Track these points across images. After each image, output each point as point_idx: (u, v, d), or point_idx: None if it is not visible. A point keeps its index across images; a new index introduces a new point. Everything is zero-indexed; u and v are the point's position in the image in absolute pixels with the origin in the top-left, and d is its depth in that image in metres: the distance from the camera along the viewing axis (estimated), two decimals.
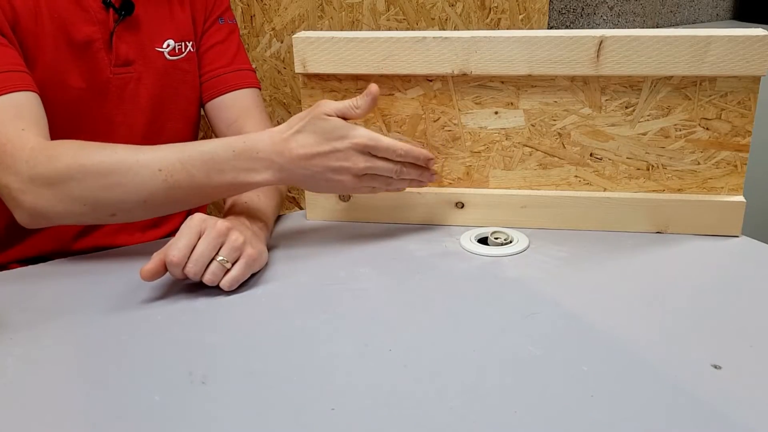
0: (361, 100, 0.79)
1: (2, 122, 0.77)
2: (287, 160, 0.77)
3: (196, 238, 0.72)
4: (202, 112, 1.03)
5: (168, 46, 0.93)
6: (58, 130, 0.88)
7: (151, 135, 0.94)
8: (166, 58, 0.93)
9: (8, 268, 0.92)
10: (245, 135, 0.79)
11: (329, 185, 0.79)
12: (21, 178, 0.75)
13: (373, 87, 0.79)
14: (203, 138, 1.44)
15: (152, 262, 0.72)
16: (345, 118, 0.78)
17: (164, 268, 0.72)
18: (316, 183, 0.79)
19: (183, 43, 0.95)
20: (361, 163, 0.77)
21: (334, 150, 0.77)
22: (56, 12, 0.84)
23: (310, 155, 0.77)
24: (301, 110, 0.83)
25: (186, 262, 0.72)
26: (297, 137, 0.77)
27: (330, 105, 0.78)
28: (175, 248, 0.71)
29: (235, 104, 0.99)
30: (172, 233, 0.76)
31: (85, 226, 0.94)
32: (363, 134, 0.77)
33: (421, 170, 0.83)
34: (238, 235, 0.74)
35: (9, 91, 0.78)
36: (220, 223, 0.73)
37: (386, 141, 0.78)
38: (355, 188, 0.80)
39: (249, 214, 0.83)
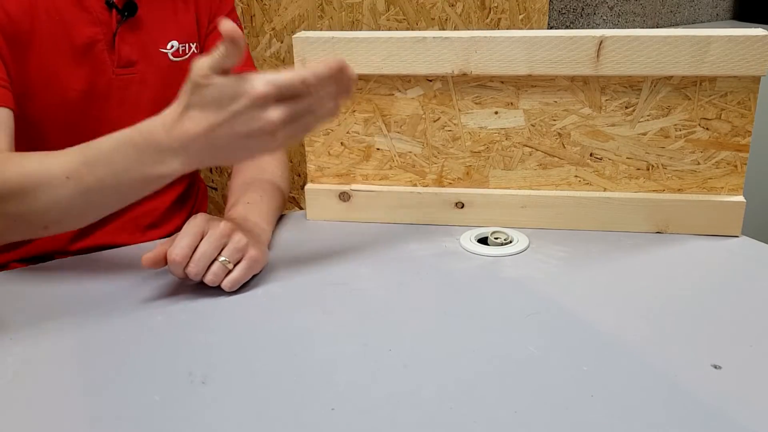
0: (225, 45, 0.65)
1: None
2: (189, 143, 0.67)
3: (199, 238, 0.72)
4: None
5: (172, 47, 0.93)
6: (59, 134, 0.88)
7: None
8: (169, 59, 0.93)
9: (8, 268, 0.92)
10: (143, 124, 0.69)
11: (248, 152, 0.69)
12: None
13: (225, 24, 0.64)
14: None
15: (155, 251, 0.72)
16: (225, 72, 0.66)
17: (164, 260, 0.72)
18: (234, 155, 0.69)
19: (187, 44, 0.95)
20: (274, 116, 0.65)
21: (234, 114, 0.65)
22: (56, 14, 0.84)
23: (210, 129, 0.66)
24: None
25: (188, 262, 0.72)
26: (188, 114, 0.67)
27: (203, 63, 0.65)
28: (178, 247, 0.71)
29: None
30: (173, 233, 0.76)
31: (85, 226, 0.93)
32: (258, 84, 0.64)
33: (337, 80, 0.68)
34: (241, 236, 0.74)
35: None
36: (224, 224, 0.73)
37: (287, 77, 0.65)
38: (279, 145, 0.68)
39: (251, 215, 0.83)
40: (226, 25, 0.64)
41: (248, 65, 1.01)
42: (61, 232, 0.77)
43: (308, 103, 0.67)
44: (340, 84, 0.68)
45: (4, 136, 0.79)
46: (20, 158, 0.73)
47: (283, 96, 0.65)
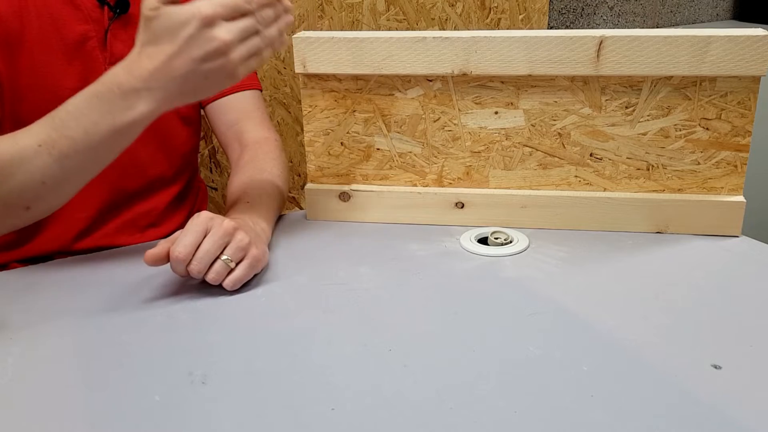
0: None
1: None
2: (150, 80, 0.68)
3: (202, 236, 0.72)
4: (202, 113, 1.03)
5: None
6: None
7: (146, 135, 0.94)
8: None
9: (8, 268, 0.92)
10: (105, 74, 0.71)
11: (210, 80, 0.70)
12: None
13: None
14: (204, 141, 1.44)
15: (157, 248, 0.72)
16: (173, 3, 0.68)
17: (167, 257, 0.72)
18: (197, 84, 0.70)
19: None
20: (225, 35, 0.67)
21: (187, 40, 0.67)
22: (46, 12, 0.84)
23: (167, 60, 0.68)
24: (301, 110, 0.82)
25: (191, 260, 0.72)
26: (145, 51, 0.69)
27: None
28: (181, 245, 0.71)
29: (236, 106, 0.99)
30: (172, 233, 0.76)
31: (84, 226, 0.94)
32: (204, 5, 0.67)
33: (275, 8, 0.73)
34: (244, 235, 0.74)
35: None
36: (227, 223, 0.73)
37: None
38: (236, 69, 0.70)
39: (252, 214, 0.83)
40: None
41: None
42: (45, 211, 0.76)
43: (253, 22, 0.69)
44: (278, 10, 0.72)
45: None
46: None
47: (229, 17, 0.68)
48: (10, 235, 0.93)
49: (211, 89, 0.72)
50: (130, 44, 0.90)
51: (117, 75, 0.70)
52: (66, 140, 0.70)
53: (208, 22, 0.67)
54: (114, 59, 0.89)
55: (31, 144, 0.70)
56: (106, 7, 0.87)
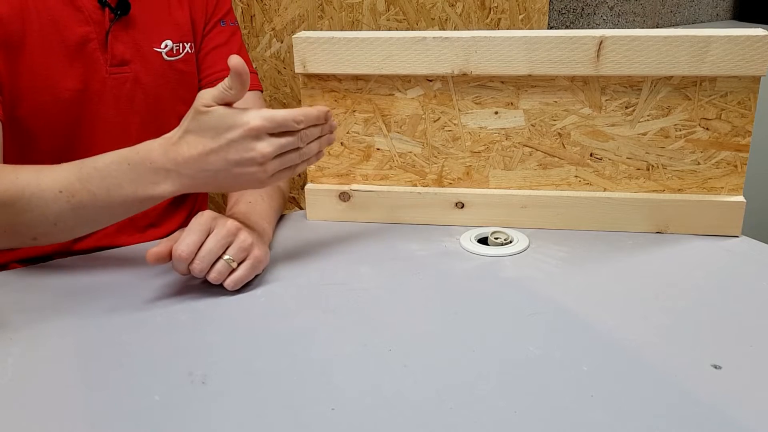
0: (231, 79, 0.70)
1: None
2: (182, 165, 0.71)
3: (205, 236, 0.72)
4: None
5: (166, 46, 0.93)
6: (51, 134, 0.88)
7: (146, 136, 0.94)
8: (163, 58, 0.93)
9: (8, 268, 0.92)
10: (141, 144, 0.73)
11: (239, 182, 0.72)
12: None
13: (234, 59, 0.69)
14: None
15: (160, 247, 0.72)
16: (227, 104, 0.71)
17: (169, 256, 0.72)
18: (224, 181, 0.72)
19: (181, 44, 0.95)
20: (265, 148, 0.70)
21: (229, 142, 0.70)
22: (47, 13, 0.84)
23: (204, 154, 0.70)
24: None
25: (193, 259, 0.72)
26: (186, 139, 0.71)
27: (207, 94, 0.70)
28: (184, 243, 0.71)
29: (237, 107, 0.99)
30: (172, 233, 0.76)
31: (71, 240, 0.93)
32: (255, 117, 0.69)
33: (321, 127, 0.75)
34: (247, 235, 0.74)
35: None
36: (230, 223, 0.73)
37: (281, 115, 0.71)
38: (267, 179, 0.72)
39: (252, 214, 0.83)
40: (234, 60, 0.69)
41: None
42: (49, 243, 0.78)
43: (296, 140, 0.72)
44: (324, 129, 0.75)
45: None
46: (14, 170, 0.74)
47: (275, 131, 0.70)
48: None
49: (234, 188, 0.75)
50: (130, 46, 0.90)
51: (152, 150, 0.72)
52: (87, 193, 0.73)
53: (252, 133, 0.69)
54: (115, 61, 0.89)
55: (53, 187, 0.73)
56: (107, 9, 0.87)
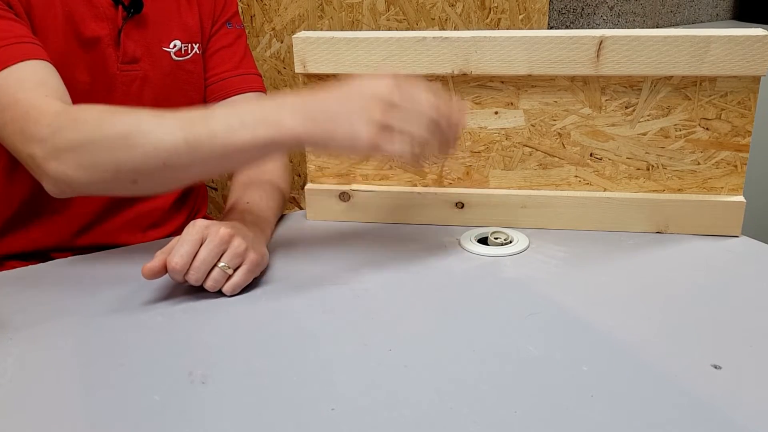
0: None
1: (25, 89, 0.75)
2: (309, 101, 0.69)
3: (198, 245, 0.72)
4: None
5: (175, 46, 0.94)
6: None
7: None
8: (172, 58, 0.94)
9: (6, 261, 0.92)
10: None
11: (353, 126, 0.67)
12: (45, 146, 0.72)
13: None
14: None
15: (154, 261, 0.72)
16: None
17: (164, 269, 0.72)
18: (347, 119, 0.67)
19: (190, 45, 0.95)
20: (420, 130, 0.67)
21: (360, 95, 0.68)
22: (67, 7, 0.85)
23: (332, 96, 0.69)
24: None
25: (188, 269, 0.72)
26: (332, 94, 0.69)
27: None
28: (177, 255, 0.71)
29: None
30: (173, 233, 0.75)
31: (86, 222, 0.94)
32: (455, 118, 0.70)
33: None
34: (241, 241, 0.74)
35: (30, 58, 0.77)
36: (223, 230, 0.73)
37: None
38: (389, 146, 0.67)
39: (251, 215, 0.83)
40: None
41: (247, 66, 1.01)
42: (147, 191, 0.77)
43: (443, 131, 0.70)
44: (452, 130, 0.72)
45: (64, 91, 0.78)
46: (138, 110, 0.73)
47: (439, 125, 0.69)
48: (9, 226, 0.92)
49: (344, 138, 0.68)
50: (141, 44, 0.91)
51: (283, 94, 0.71)
52: (206, 130, 0.69)
53: (435, 116, 0.68)
54: (126, 58, 0.89)
55: (173, 121, 0.70)
56: (120, 7, 0.88)
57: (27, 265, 0.85)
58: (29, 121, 0.73)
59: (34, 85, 0.76)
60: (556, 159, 0.88)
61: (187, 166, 0.71)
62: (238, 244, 0.73)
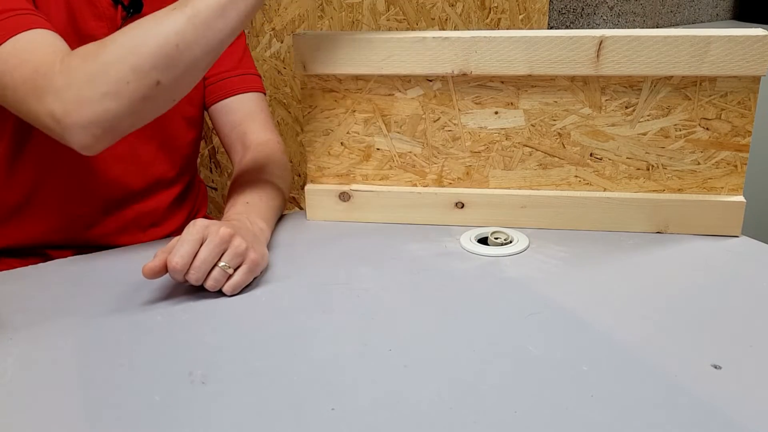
0: None
1: (31, 50, 0.74)
2: None
3: (199, 245, 0.72)
4: (205, 115, 1.03)
5: None
6: None
7: (152, 133, 0.94)
8: None
9: (3, 254, 0.92)
10: None
11: None
12: (63, 96, 0.71)
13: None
14: (204, 141, 1.44)
15: (155, 261, 0.72)
16: None
17: (165, 269, 0.72)
18: None
19: None
20: None
21: None
22: (68, 3, 0.86)
23: None
24: (301, 110, 0.82)
25: (188, 269, 0.72)
26: None
27: None
28: (178, 255, 0.71)
29: (240, 108, 0.99)
30: (173, 234, 0.75)
31: (86, 222, 0.93)
32: None
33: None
34: (241, 240, 0.74)
35: (36, 27, 0.76)
36: (223, 230, 0.73)
37: None
38: None
39: (250, 215, 0.83)
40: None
41: (247, 66, 1.01)
42: (174, 88, 0.75)
43: None
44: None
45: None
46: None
47: None
48: (6, 218, 0.92)
49: None
50: None
51: None
52: (197, 1, 0.72)
53: None
54: None
55: (167, 12, 0.72)
56: (119, 7, 0.88)
57: (25, 263, 0.85)
58: (39, 75, 0.72)
59: (41, 46, 0.75)
60: (556, 159, 0.88)
61: (198, 41, 0.73)
62: (238, 243, 0.74)
